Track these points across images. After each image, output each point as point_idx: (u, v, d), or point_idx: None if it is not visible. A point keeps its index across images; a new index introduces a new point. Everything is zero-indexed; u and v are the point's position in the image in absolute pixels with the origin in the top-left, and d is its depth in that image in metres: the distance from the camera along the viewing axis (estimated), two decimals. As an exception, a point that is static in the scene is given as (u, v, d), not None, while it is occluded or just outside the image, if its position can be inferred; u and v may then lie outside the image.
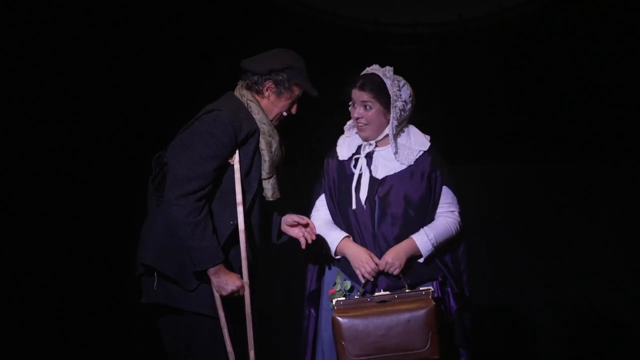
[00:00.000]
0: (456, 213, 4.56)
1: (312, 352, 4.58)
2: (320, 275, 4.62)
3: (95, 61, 6.49)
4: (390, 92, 4.47)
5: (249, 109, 4.30)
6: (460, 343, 4.51)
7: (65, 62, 6.40)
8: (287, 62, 4.31)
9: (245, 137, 4.24)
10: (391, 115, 4.49)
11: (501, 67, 6.97)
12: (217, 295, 4.21)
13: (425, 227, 4.48)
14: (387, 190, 4.50)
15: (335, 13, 7.09)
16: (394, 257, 4.43)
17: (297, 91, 4.33)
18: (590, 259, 6.90)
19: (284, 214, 4.46)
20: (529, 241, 6.96)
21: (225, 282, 4.18)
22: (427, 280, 4.50)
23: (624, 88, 6.85)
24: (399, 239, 4.46)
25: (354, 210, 4.51)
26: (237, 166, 4.25)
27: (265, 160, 4.29)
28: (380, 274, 4.45)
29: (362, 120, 4.51)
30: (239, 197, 4.23)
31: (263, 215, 4.37)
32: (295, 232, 4.42)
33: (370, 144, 4.55)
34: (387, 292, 4.40)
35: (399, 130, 4.54)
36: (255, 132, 4.27)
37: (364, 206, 4.50)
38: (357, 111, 4.52)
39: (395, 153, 4.52)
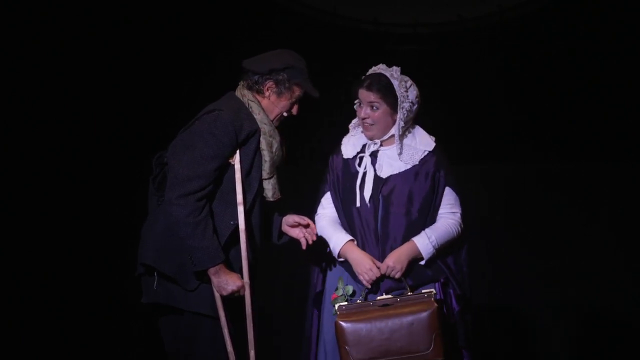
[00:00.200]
0: (458, 214, 4.55)
1: (315, 352, 4.58)
2: (326, 276, 4.61)
3: (95, 61, 6.49)
4: (397, 93, 4.47)
5: (250, 109, 4.30)
6: (462, 344, 4.51)
7: (65, 62, 6.39)
8: (288, 62, 4.31)
9: (246, 137, 4.24)
10: (398, 116, 4.49)
11: (501, 67, 6.97)
12: (217, 295, 4.20)
13: (426, 229, 4.48)
14: (391, 189, 4.50)
15: (335, 13, 7.09)
16: (395, 261, 4.43)
17: (297, 91, 4.33)
18: (590, 259, 6.90)
19: (284, 215, 4.46)
20: (529, 241, 6.96)
21: (226, 282, 4.18)
22: (429, 281, 4.51)
23: (624, 88, 6.85)
24: (401, 238, 4.46)
25: (357, 208, 4.51)
26: (237, 166, 4.24)
27: (265, 161, 4.29)
28: (382, 277, 4.46)
29: (369, 121, 4.51)
30: (239, 197, 4.23)
31: (263, 216, 4.37)
32: (296, 233, 4.42)
33: (375, 143, 4.55)
34: (390, 296, 4.41)
35: (404, 131, 4.54)
36: (256, 132, 4.27)
37: (368, 204, 4.50)
38: (363, 111, 4.51)
39: (400, 154, 4.52)
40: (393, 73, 4.50)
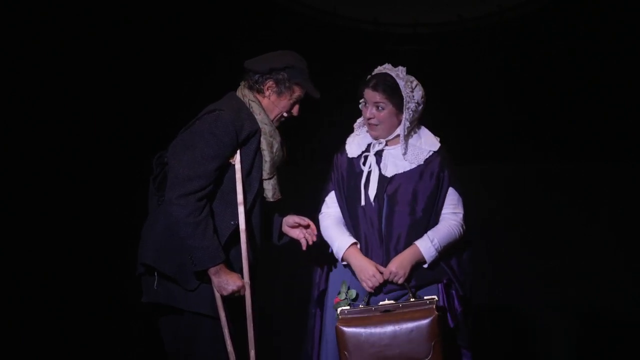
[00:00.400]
0: (460, 215, 4.55)
1: (318, 352, 4.58)
2: (329, 275, 4.61)
3: (95, 61, 6.48)
4: (403, 94, 4.47)
5: (251, 109, 4.30)
6: (465, 345, 4.52)
7: (65, 62, 6.39)
8: (288, 61, 4.31)
9: (246, 137, 4.24)
10: (403, 116, 4.48)
11: (501, 67, 6.97)
12: (217, 295, 4.21)
13: (428, 232, 4.48)
14: (395, 188, 4.50)
15: (335, 13, 7.09)
16: (398, 267, 4.43)
17: (298, 91, 4.33)
18: (590, 259, 6.90)
19: (285, 215, 4.46)
20: (529, 241, 6.96)
21: (226, 282, 4.18)
22: (432, 282, 4.51)
23: (624, 88, 6.85)
24: (405, 237, 4.46)
25: (362, 206, 4.51)
26: (238, 166, 4.25)
27: (266, 161, 4.29)
28: (385, 282, 4.46)
29: (374, 121, 4.50)
30: (240, 197, 4.24)
31: (264, 216, 4.37)
32: (297, 234, 4.42)
33: (380, 143, 4.55)
34: (392, 302, 4.41)
35: (410, 131, 4.54)
36: (256, 132, 4.27)
37: (373, 203, 4.50)
38: (369, 111, 4.51)
39: (404, 154, 4.52)
40: (399, 73, 4.49)
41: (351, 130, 4.69)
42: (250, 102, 4.31)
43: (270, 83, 4.32)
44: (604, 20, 6.81)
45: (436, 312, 4.31)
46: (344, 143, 4.65)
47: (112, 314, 6.50)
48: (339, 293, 4.52)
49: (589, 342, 6.93)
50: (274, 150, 4.31)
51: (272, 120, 4.33)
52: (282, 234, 4.48)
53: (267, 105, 4.33)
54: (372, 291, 4.45)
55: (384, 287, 4.47)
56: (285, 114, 4.36)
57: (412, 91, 4.48)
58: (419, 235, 4.48)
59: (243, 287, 4.23)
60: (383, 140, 4.54)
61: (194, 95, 5.80)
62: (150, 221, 4.32)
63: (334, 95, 4.78)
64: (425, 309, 4.33)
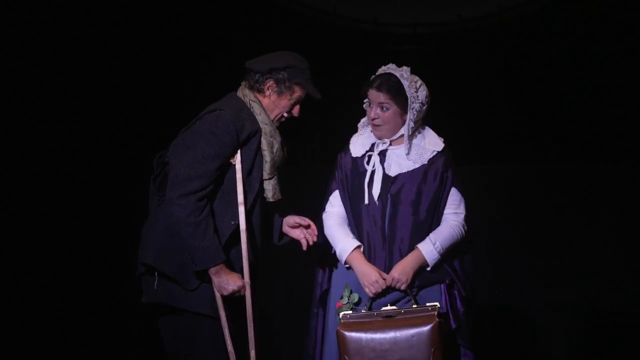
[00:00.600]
0: (462, 216, 4.55)
1: (321, 352, 4.58)
2: (332, 275, 4.61)
3: (95, 61, 6.48)
4: (407, 94, 4.46)
5: (251, 109, 4.30)
6: (467, 346, 4.52)
7: (65, 62, 6.39)
8: (289, 61, 4.31)
9: (247, 137, 4.24)
10: (407, 116, 4.48)
11: (501, 67, 6.97)
12: (218, 295, 4.21)
13: (430, 235, 4.48)
14: (399, 188, 4.50)
15: (335, 13, 7.09)
16: (401, 273, 4.43)
17: (298, 91, 4.33)
18: (590, 259, 6.90)
19: (285, 215, 4.46)
20: (529, 241, 6.95)
21: (227, 282, 4.18)
22: (434, 283, 4.52)
23: (624, 88, 6.85)
24: (408, 237, 4.46)
25: (366, 205, 4.51)
26: (238, 166, 4.25)
27: (266, 161, 4.29)
28: (388, 287, 4.46)
29: (378, 121, 4.50)
30: (240, 197, 4.24)
31: (264, 216, 4.37)
32: (297, 234, 4.42)
33: (385, 142, 4.55)
34: (394, 307, 4.41)
35: (414, 131, 4.54)
36: (257, 132, 4.27)
37: (376, 202, 4.50)
38: (373, 112, 4.51)
39: (408, 154, 4.52)
40: (403, 73, 4.48)
41: (353, 131, 4.69)
42: (250, 102, 4.31)
43: (270, 83, 4.32)
44: (604, 20, 6.81)
45: (437, 319, 4.31)
46: (348, 142, 4.65)
47: (112, 314, 6.49)
48: (342, 297, 4.52)
49: (589, 342, 6.93)
50: (275, 151, 4.31)
51: (272, 120, 4.33)
52: (283, 234, 4.48)
53: (268, 105, 4.33)
54: (375, 296, 4.46)
55: (386, 293, 4.47)
56: (285, 114, 4.36)
57: (417, 91, 4.47)
58: (422, 236, 4.48)
59: (243, 287, 4.23)
60: (387, 140, 4.54)
61: (194, 95, 5.81)
62: (150, 221, 4.32)
63: (334, 95, 4.78)
64: (427, 316, 4.33)
